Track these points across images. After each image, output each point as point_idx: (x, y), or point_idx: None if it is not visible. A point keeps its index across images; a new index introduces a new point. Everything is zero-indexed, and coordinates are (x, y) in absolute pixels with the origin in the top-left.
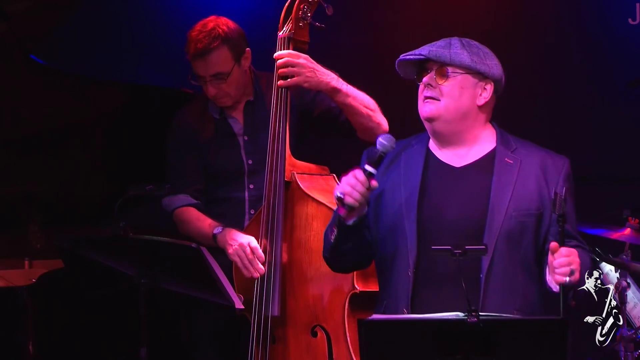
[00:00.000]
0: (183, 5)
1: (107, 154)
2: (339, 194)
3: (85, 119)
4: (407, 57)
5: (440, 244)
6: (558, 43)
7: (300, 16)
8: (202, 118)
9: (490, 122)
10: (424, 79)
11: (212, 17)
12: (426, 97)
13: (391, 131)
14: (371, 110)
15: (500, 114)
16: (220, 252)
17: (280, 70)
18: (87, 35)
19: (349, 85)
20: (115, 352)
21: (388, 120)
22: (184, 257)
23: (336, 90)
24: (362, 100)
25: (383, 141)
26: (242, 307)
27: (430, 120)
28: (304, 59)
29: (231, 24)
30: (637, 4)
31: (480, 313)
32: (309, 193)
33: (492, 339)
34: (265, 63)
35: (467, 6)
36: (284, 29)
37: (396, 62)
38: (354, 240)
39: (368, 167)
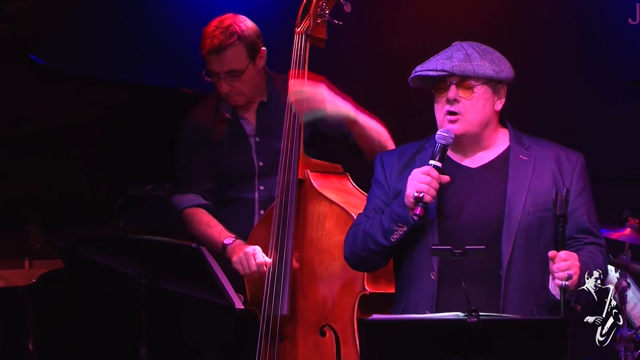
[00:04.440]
0: (183, 6)
1: (108, 154)
2: (416, 194)
3: (86, 118)
4: (428, 73)
5: (462, 244)
6: (558, 43)
7: (318, 13)
8: (214, 117)
9: (504, 121)
10: (449, 95)
11: (229, 15)
12: (450, 113)
13: (390, 130)
14: (382, 138)
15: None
16: (220, 253)
17: (301, 106)
18: (87, 35)
19: (364, 115)
20: (115, 352)
21: (387, 120)
22: (184, 257)
23: (354, 122)
24: (375, 129)
25: (444, 134)
26: (242, 307)
27: (457, 136)
28: (322, 89)
29: (249, 22)
30: (637, 4)
31: (484, 312)
32: (322, 192)
33: (492, 339)
34: (265, 63)
35: (467, 6)
36: (302, 25)
37: (412, 76)
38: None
39: (436, 163)
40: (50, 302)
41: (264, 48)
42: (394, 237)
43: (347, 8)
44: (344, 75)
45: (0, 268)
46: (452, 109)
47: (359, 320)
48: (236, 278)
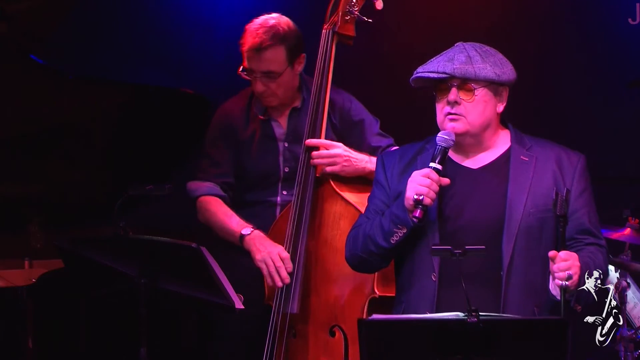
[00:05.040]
0: (183, 5)
1: (107, 154)
2: (416, 197)
3: (86, 119)
4: (430, 75)
5: (463, 245)
6: (558, 43)
7: (347, 10)
8: (247, 115)
9: (505, 122)
10: (450, 97)
11: (274, 15)
12: (450, 114)
13: (393, 129)
14: None
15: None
16: (219, 252)
17: (316, 161)
18: (87, 35)
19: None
20: (115, 352)
21: (389, 119)
22: (184, 257)
23: (370, 172)
24: None
25: (445, 137)
26: (242, 307)
27: (457, 135)
28: (338, 148)
29: (292, 25)
30: (637, 4)
31: (484, 312)
32: (339, 191)
33: (492, 339)
34: None
35: (467, 6)
36: (329, 21)
37: (413, 77)
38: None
39: (436, 165)
40: (50, 302)
41: (303, 54)
42: (394, 239)
43: (379, 5)
44: (346, 75)
45: (0, 268)
46: (453, 111)
47: (358, 320)
48: (236, 278)
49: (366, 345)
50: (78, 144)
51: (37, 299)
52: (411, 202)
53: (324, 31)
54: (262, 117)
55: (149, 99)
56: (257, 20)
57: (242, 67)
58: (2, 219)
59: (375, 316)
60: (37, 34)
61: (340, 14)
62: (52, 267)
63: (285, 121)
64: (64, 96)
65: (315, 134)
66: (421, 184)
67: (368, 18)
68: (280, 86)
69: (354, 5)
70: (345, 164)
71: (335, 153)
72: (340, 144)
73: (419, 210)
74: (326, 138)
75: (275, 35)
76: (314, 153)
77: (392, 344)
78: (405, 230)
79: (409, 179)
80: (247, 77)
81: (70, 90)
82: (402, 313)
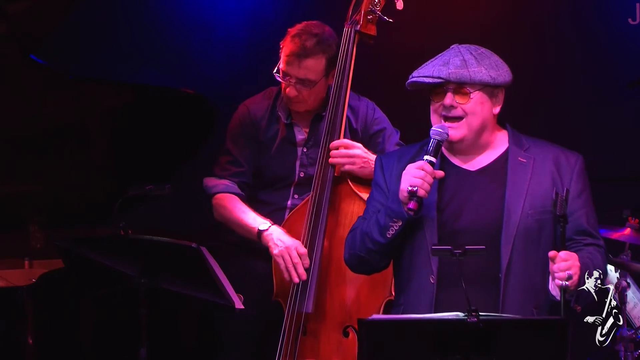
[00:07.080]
0: (183, 5)
1: (107, 154)
2: (410, 188)
3: (86, 119)
4: (425, 80)
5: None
6: (558, 43)
7: (369, 9)
8: (270, 116)
9: (502, 123)
10: (446, 101)
11: (317, 23)
12: (446, 119)
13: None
14: None
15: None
16: (219, 252)
17: (335, 160)
18: (87, 35)
19: None
20: (115, 351)
21: (389, 118)
22: (184, 257)
23: None
24: None
25: (439, 130)
26: (242, 307)
27: (455, 142)
28: (357, 148)
29: (335, 36)
30: (637, 4)
31: (483, 313)
32: (357, 192)
33: (492, 339)
34: (265, 63)
35: (467, 6)
36: (351, 20)
37: (409, 81)
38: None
39: (430, 158)
40: (50, 302)
41: None
42: (390, 233)
43: (399, 5)
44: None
45: (0, 268)
46: (449, 114)
47: (359, 320)
48: (236, 278)
49: (366, 345)
50: (78, 144)
51: (37, 298)
52: (405, 194)
53: (345, 30)
54: (285, 121)
55: (148, 99)
56: (299, 24)
57: (277, 68)
58: (2, 219)
59: (375, 316)
60: (37, 34)
61: (362, 13)
62: (52, 267)
63: (307, 127)
64: (64, 96)
65: (335, 134)
66: (415, 175)
67: (389, 18)
68: (311, 94)
69: (376, 5)
70: (363, 164)
71: (355, 153)
72: (360, 145)
73: (413, 202)
74: (345, 129)
75: (319, 44)
76: (333, 152)
77: (392, 344)
78: (400, 223)
79: (404, 172)
80: (280, 80)
81: (70, 90)
82: (402, 314)
